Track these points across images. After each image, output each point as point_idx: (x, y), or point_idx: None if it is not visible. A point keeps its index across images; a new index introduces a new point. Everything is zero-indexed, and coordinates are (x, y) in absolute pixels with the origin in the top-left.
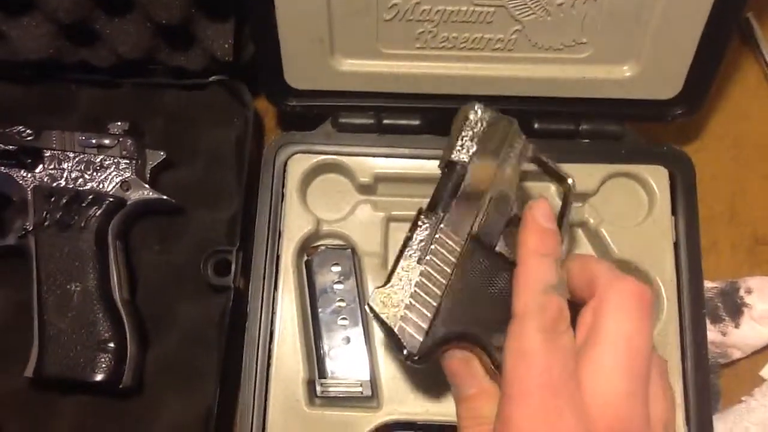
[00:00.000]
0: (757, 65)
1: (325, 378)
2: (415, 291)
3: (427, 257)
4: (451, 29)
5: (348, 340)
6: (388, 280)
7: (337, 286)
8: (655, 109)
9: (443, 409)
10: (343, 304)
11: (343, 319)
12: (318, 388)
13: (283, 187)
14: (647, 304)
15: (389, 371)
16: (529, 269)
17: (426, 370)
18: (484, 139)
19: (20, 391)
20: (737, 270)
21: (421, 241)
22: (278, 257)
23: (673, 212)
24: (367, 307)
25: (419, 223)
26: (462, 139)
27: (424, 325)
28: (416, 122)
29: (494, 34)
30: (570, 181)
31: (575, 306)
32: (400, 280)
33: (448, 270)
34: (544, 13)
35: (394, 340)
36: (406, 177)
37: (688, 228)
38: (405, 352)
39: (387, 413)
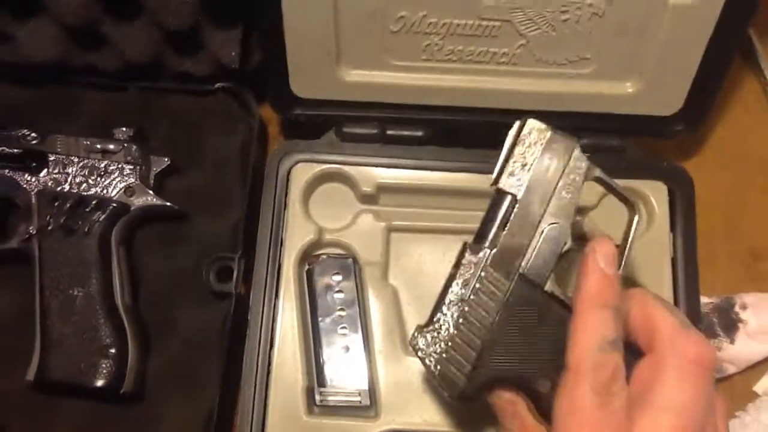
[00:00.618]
0: (756, 82)
1: (324, 386)
2: (458, 332)
3: (472, 297)
4: (457, 42)
5: (347, 349)
6: (431, 320)
7: (337, 295)
8: (656, 125)
9: (441, 419)
10: (343, 313)
11: (343, 328)
12: (317, 397)
13: (285, 195)
14: (709, 368)
15: (388, 381)
16: (587, 322)
17: (425, 380)
18: (541, 162)
19: (22, 395)
20: (734, 285)
21: (466, 279)
22: (280, 265)
23: (672, 228)
24: (410, 346)
25: (464, 260)
26: (515, 162)
27: (467, 368)
28: (420, 133)
29: (499, 48)
30: (637, 206)
31: (631, 348)
32: (443, 319)
33: (494, 310)
34: (549, 28)
35: (436, 382)
36: (408, 188)
37: (686, 244)
38: (446, 395)
39: (385, 423)
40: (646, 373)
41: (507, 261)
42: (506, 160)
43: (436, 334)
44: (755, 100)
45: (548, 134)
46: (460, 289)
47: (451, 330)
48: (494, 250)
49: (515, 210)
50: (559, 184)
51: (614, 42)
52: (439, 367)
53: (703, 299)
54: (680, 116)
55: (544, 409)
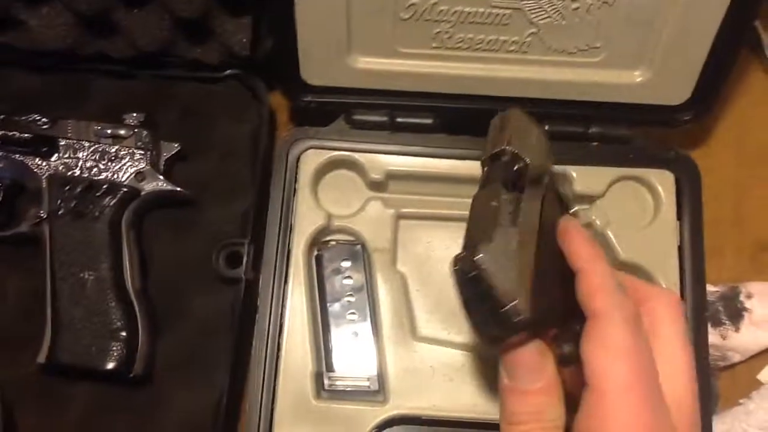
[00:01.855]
0: (763, 72)
1: (332, 371)
2: (517, 255)
3: (520, 220)
4: (467, 30)
5: (356, 334)
6: (490, 238)
7: (346, 281)
8: (664, 114)
9: (449, 404)
10: (352, 299)
11: (352, 313)
12: (326, 382)
13: (295, 181)
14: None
15: (396, 366)
16: (598, 270)
17: (432, 365)
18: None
19: (32, 378)
20: (740, 275)
21: (510, 205)
22: (289, 251)
23: (678, 217)
24: (466, 266)
25: (503, 193)
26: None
27: (528, 295)
28: (429, 121)
29: (509, 36)
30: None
31: None
32: (503, 239)
33: (534, 242)
34: (559, 16)
35: (497, 307)
36: (417, 175)
37: (693, 233)
38: (516, 320)
39: (393, 407)
40: (646, 323)
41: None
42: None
43: (500, 253)
44: (762, 91)
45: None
46: (509, 213)
47: (513, 253)
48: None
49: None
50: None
51: (624, 31)
52: (509, 291)
53: (709, 288)
54: (688, 105)
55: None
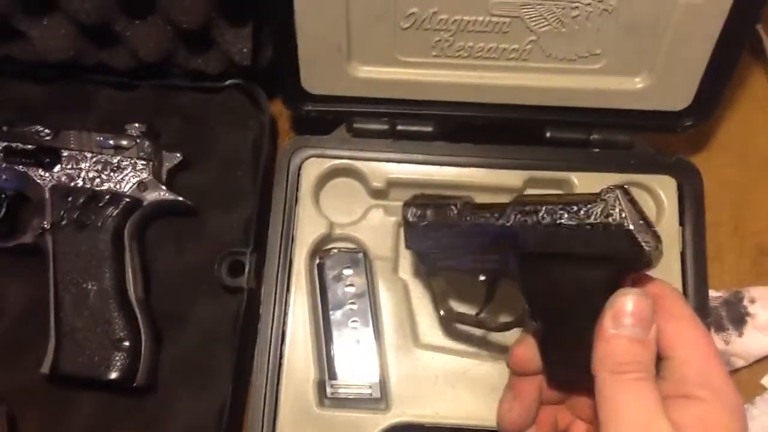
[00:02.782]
0: (764, 77)
1: (335, 379)
2: None
3: None
4: (467, 38)
5: (358, 342)
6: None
7: (348, 289)
8: (666, 120)
9: (451, 412)
10: (354, 306)
11: (354, 321)
12: (328, 389)
13: (297, 190)
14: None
15: (398, 374)
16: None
17: (435, 373)
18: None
19: (36, 387)
20: (741, 280)
21: None
22: (291, 260)
23: (681, 222)
24: (614, 194)
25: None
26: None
27: None
28: (429, 129)
29: (509, 44)
30: None
31: None
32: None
33: None
34: (559, 24)
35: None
36: (418, 182)
37: (695, 238)
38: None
39: (395, 415)
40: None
41: None
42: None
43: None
44: (763, 96)
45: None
46: None
47: None
48: None
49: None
50: None
51: (624, 38)
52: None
53: (712, 293)
54: (689, 111)
55: None
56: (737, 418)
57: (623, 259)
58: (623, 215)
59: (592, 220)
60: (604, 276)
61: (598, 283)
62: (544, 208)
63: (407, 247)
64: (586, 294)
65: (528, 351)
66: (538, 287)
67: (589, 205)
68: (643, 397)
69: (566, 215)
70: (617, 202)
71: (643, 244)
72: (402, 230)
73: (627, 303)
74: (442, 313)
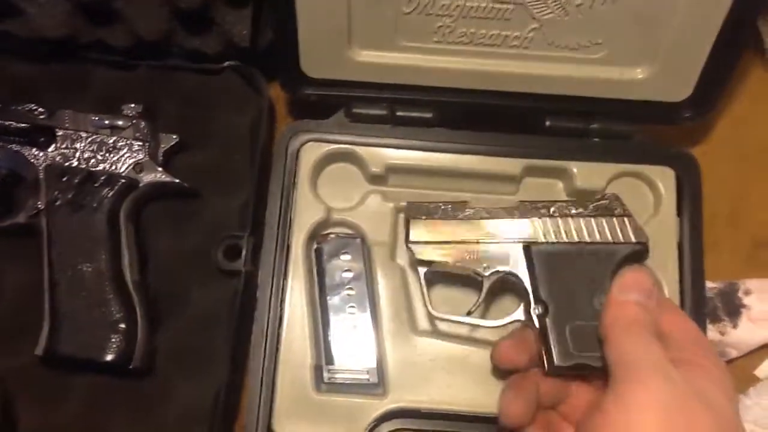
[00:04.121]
0: (764, 70)
1: (332, 364)
2: None
3: None
4: (469, 25)
5: (355, 327)
6: None
7: (345, 275)
8: (665, 111)
9: (448, 398)
10: (351, 292)
11: (351, 306)
12: (325, 375)
13: (294, 174)
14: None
15: (395, 359)
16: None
17: (432, 359)
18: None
19: (30, 370)
20: (737, 271)
21: None
22: (288, 244)
23: (678, 213)
24: (613, 195)
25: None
26: None
27: None
28: (429, 115)
29: (512, 32)
30: None
31: None
32: None
33: None
34: (562, 12)
35: None
36: (417, 169)
37: (692, 229)
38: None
39: (393, 401)
40: None
41: None
42: None
43: None
44: (763, 90)
45: None
46: None
47: None
48: None
49: None
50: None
51: (626, 28)
52: None
53: (708, 284)
54: (689, 103)
55: None
56: (728, 377)
57: (626, 244)
58: (626, 209)
59: (599, 212)
60: (609, 262)
61: (604, 267)
62: (555, 204)
63: (407, 243)
64: (592, 277)
65: (514, 346)
66: (546, 275)
67: (595, 203)
68: (653, 346)
69: (574, 210)
70: (618, 200)
71: (643, 229)
72: (399, 216)
73: (632, 276)
74: (431, 311)
